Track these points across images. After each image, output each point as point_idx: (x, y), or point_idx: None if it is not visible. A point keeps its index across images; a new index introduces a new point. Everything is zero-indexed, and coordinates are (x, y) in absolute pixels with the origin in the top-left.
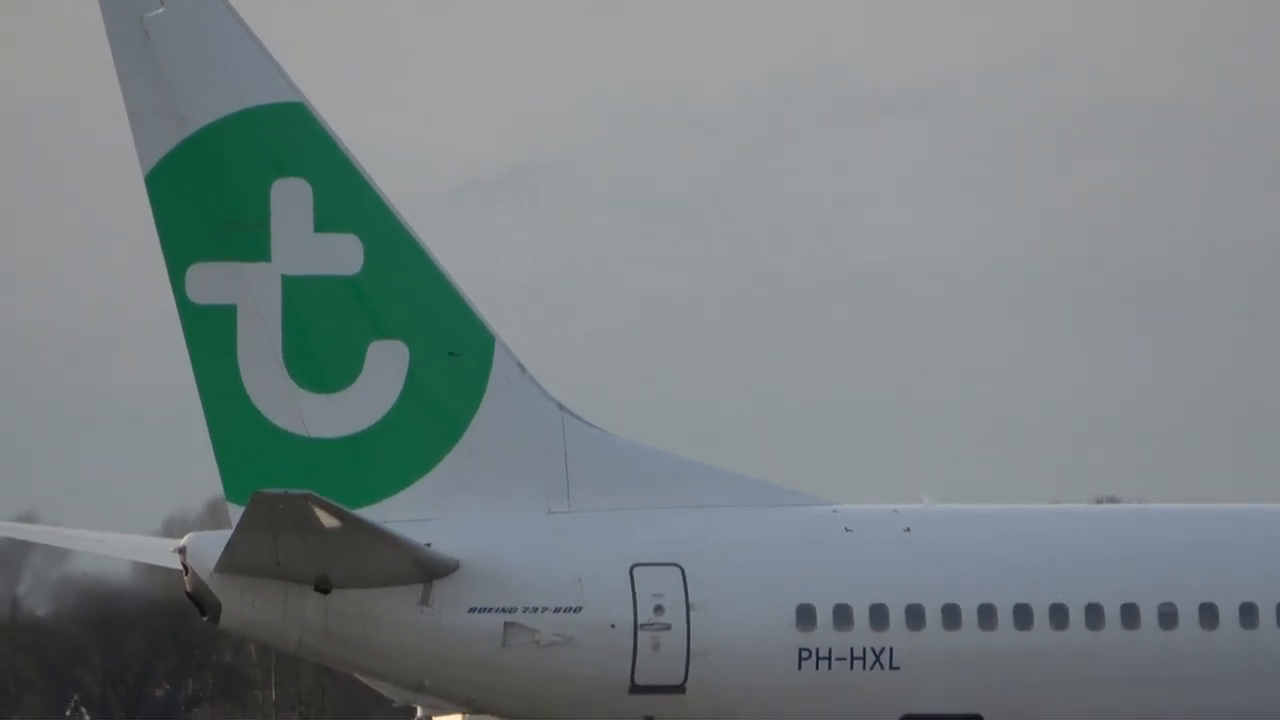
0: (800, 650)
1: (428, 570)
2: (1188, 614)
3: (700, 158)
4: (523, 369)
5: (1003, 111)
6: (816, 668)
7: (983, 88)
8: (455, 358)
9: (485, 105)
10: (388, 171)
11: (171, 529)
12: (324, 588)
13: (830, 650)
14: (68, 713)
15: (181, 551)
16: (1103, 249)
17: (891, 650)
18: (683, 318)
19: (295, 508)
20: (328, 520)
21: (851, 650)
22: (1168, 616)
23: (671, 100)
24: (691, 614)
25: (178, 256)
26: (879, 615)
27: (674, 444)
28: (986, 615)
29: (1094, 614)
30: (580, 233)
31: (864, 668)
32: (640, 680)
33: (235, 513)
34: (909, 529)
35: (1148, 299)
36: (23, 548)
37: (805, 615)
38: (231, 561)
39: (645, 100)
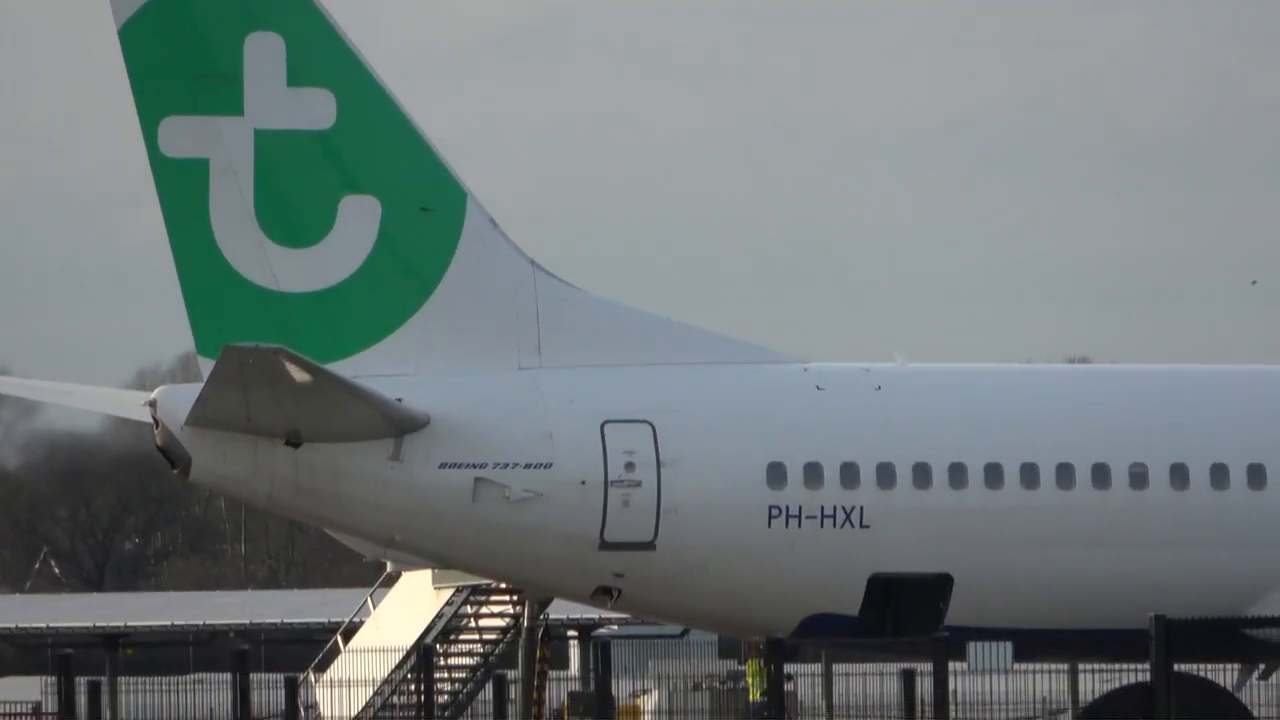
0: (770, 508)
1: (398, 425)
2: (1158, 474)
3: (705, 16)
4: (494, 224)
5: None
6: (786, 526)
7: None
8: (427, 213)
9: None
10: (396, 27)
11: (142, 381)
12: (294, 441)
13: (800, 508)
14: (36, 565)
15: (152, 405)
16: (1090, 109)
17: (861, 509)
18: (663, 175)
19: (266, 361)
20: (298, 374)
21: (821, 509)
22: (1138, 476)
23: None
24: (662, 471)
25: (150, 110)
26: (849, 474)
27: (647, 301)
28: (957, 474)
29: (1064, 473)
30: (572, 89)
31: (834, 526)
32: (610, 537)
33: (206, 366)
34: (880, 388)
35: (1131, 158)
36: None
37: (776, 473)
38: (202, 415)
39: None
